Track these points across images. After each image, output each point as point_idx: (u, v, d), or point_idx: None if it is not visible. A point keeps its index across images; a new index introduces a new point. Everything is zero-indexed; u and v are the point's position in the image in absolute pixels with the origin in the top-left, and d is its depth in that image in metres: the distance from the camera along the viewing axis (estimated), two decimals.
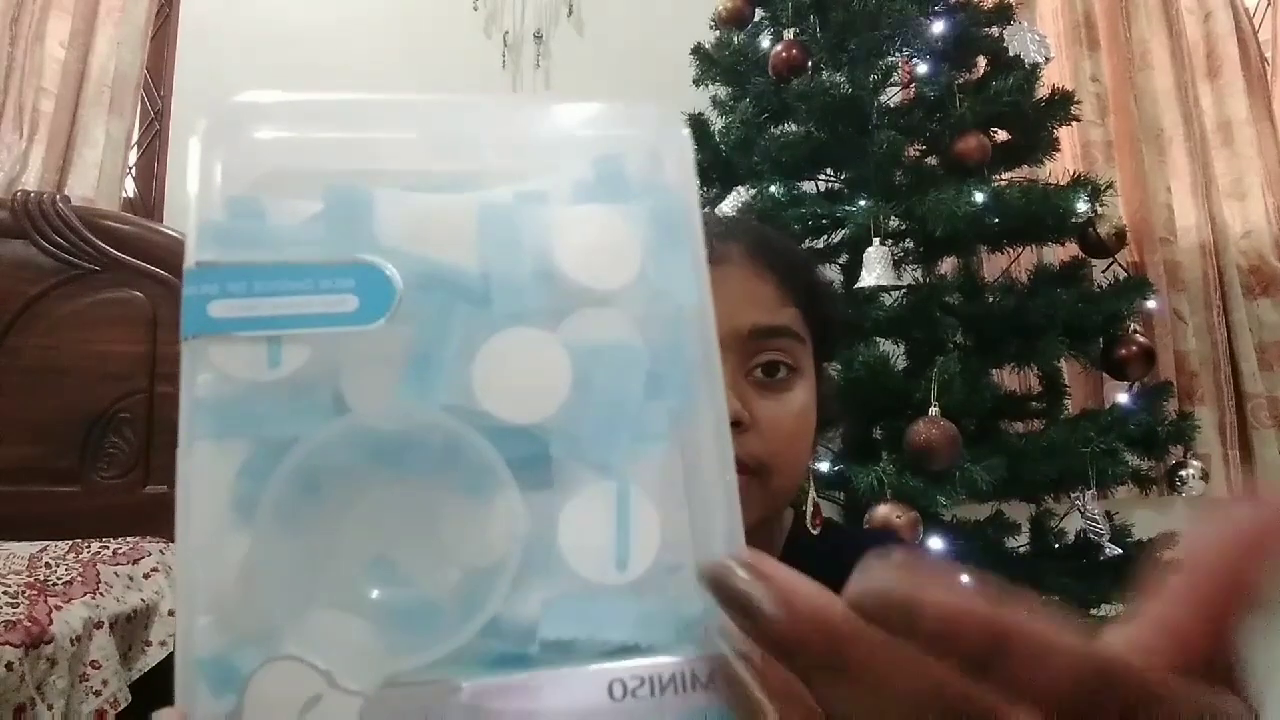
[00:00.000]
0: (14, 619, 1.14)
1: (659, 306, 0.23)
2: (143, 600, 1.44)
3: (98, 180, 1.92)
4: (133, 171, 2.08)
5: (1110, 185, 1.51)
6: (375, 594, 0.20)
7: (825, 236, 1.59)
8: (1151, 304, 1.50)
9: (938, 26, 1.51)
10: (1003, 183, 1.46)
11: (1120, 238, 1.50)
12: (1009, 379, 1.80)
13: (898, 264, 1.44)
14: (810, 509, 0.64)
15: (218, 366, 0.20)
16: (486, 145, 0.24)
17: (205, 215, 0.21)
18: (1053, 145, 1.57)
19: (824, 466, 1.41)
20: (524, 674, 0.20)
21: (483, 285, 0.22)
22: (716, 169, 1.57)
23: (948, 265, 1.64)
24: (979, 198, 1.35)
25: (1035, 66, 1.50)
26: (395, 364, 0.21)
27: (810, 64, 1.48)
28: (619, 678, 0.20)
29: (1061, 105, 1.52)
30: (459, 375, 0.21)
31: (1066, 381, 1.64)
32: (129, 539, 1.58)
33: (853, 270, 1.45)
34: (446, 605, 0.20)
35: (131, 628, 1.41)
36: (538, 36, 2.21)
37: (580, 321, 0.22)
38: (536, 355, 0.21)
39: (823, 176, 1.61)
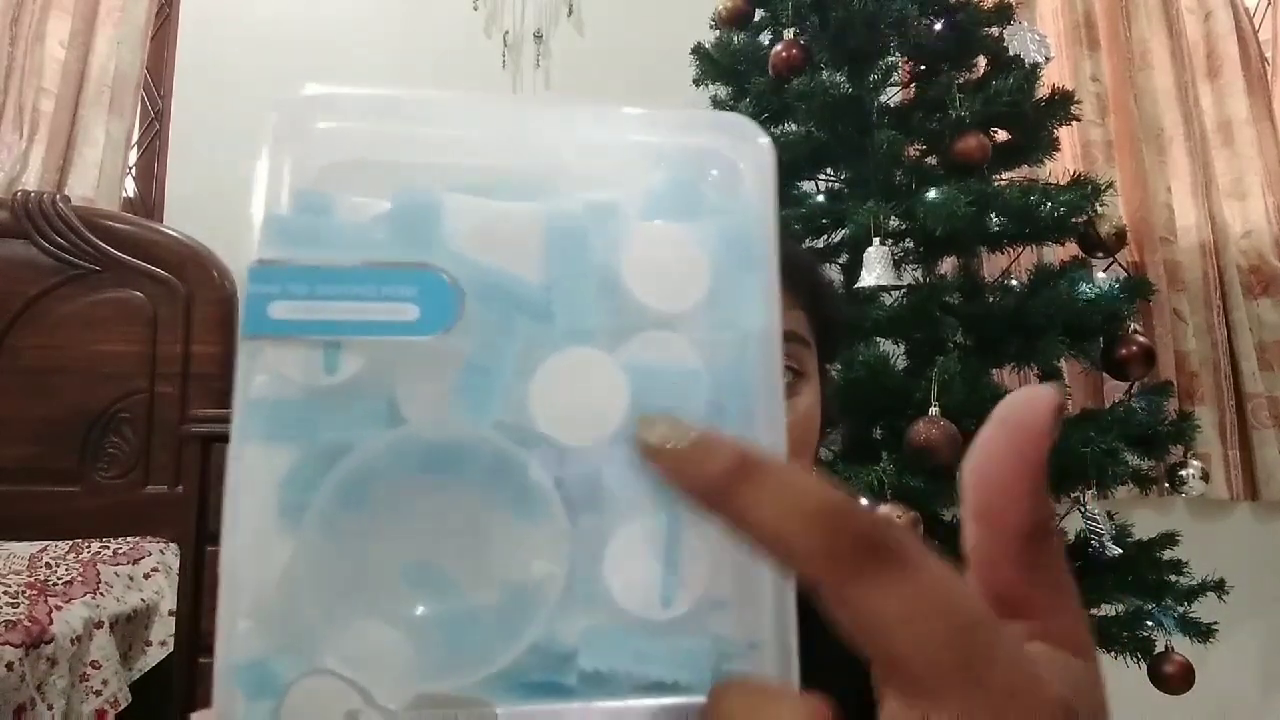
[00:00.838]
0: (14, 619, 1.14)
1: (725, 331, 0.22)
2: (143, 600, 1.45)
3: (98, 180, 1.92)
4: (133, 171, 2.08)
5: (1110, 185, 1.50)
6: (419, 608, 0.20)
7: (825, 236, 1.59)
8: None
9: (938, 26, 1.51)
10: (1003, 183, 1.46)
11: (1120, 238, 1.50)
12: (1009, 379, 1.80)
13: (898, 264, 1.44)
14: None
15: (274, 369, 0.20)
16: (559, 149, 0.24)
17: (271, 209, 0.21)
18: (1053, 145, 1.56)
19: (823, 466, 1.41)
20: (560, 704, 0.19)
21: (545, 299, 0.21)
22: None
23: (948, 265, 1.64)
24: (979, 198, 1.35)
25: (1035, 66, 1.50)
26: (451, 376, 0.21)
27: (810, 64, 1.48)
28: (657, 716, 0.19)
29: (1061, 105, 1.52)
30: (515, 393, 0.20)
31: (1067, 381, 1.64)
32: (129, 539, 1.58)
33: (853, 270, 1.45)
34: (489, 623, 0.20)
35: (131, 628, 1.41)
36: (538, 36, 2.21)
37: (642, 344, 0.21)
38: (595, 378, 0.21)
39: (823, 176, 1.61)
